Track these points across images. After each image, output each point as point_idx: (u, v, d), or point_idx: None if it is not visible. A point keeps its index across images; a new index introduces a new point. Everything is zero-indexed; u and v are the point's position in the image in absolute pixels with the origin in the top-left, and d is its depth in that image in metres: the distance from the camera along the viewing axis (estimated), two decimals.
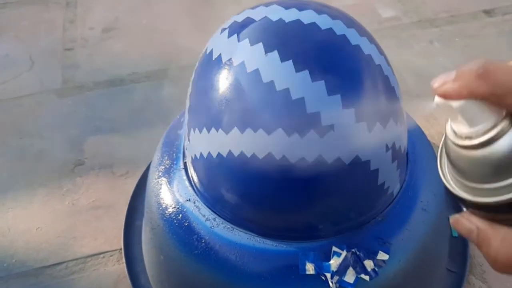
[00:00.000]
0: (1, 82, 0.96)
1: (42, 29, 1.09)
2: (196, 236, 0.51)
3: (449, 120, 0.25)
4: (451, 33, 1.06)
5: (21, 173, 0.78)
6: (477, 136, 0.23)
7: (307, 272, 0.47)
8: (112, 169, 0.78)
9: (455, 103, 0.23)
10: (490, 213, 0.25)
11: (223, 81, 0.46)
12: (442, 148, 0.27)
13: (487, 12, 1.09)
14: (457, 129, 0.25)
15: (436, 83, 0.24)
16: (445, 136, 0.26)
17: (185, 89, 0.95)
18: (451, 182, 0.26)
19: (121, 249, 0.67)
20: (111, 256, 0.66)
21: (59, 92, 0.93)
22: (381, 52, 0.49)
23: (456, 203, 0.70)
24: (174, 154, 0.58)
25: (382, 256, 0.48)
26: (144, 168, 0.76)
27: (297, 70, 0.43)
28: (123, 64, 0.99)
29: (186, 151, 0.55)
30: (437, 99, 0.24)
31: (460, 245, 0.65)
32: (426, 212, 0.53)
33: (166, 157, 0.59)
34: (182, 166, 0.56)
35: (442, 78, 0.24)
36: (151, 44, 1.05)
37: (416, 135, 0.60)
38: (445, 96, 0.24)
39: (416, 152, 0.57)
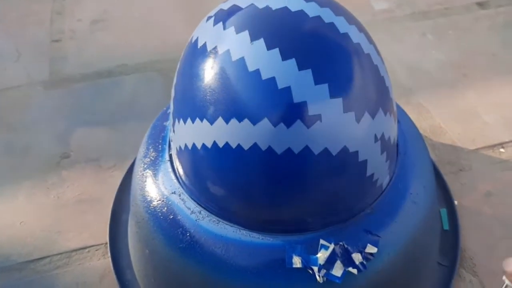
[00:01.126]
0: None
1: (30, 21, 1.07)
2: (181, 229, 0.50)
3: None
4: (444, 26, 1.05)
5: (6, 167, 0.77)
6: None
7: (294, 266, 0.46)
8: (99, 163, 0.77)
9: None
10: None
11: (208, 70, 0.45)
12: None
13: (480, 5, 1.08)
14: None
15: (509, 267, 0.26)
16: None
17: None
18: None
19: (106, 243, 0.65)
20: (96, 250, 0.65)
21: (46, 84, 0.91)
22: (370, 41, 0.48)
23: (446, 197, 0.70)
24: (160, 146, 0.57)
25: (370, 249, 0.47)
26: (131, 161, 0.75)
27: (283, 59, 0.42)
28: (111, 56, 0.98)
29: (171, 143, 0.54)
30: (508, 281, 0.26)
31: (451, 239, 0.64)
32: (416, 204, 0.52)
33: (151, 149, 0.57)
34: (167, 158, 0.55)
35: None
36: (140, 37, 1.03)
37: (407, 127, 0.59)
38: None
39: (407, 144, 0.56)
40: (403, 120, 0.59)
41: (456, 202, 0.69)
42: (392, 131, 0.49)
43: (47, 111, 0.86)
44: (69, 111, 0.86)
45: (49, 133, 0.82)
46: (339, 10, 0.46)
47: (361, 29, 0.47)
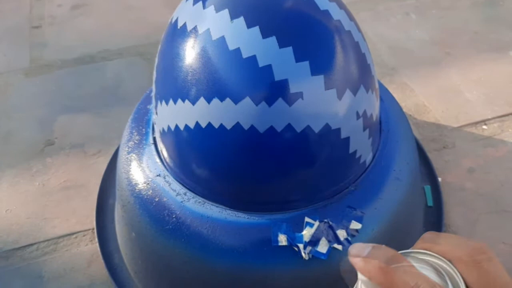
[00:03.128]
0: None
1: (8, 7, 1.05)
2: (167, 211, 0.50)
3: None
4: (427, 5, 1.05)
5: None
6: None
7: (280, 244, 0.46)
8: (84, 149, 0.76)
9: (360, 275, 0.25)
10: None
11: (189, 50, 0.44)
12: None
13: None
14: None
15: (353, 251, 0.26)
16: None
17: None
18: None
19: (93, 228, 0.65)
20: (83, 236, 0.65)
21: (27, 71, 0.90)
22: (351, 18, 0.47)
23: (430, 174, 0.71)
24: (144, 129, 0.57)
25: (355, 225, 0.48)
26: (116, 147, 0.74)
27: (264, 37, 0.42)
28: (93, 41, 0.96)
29: (155, 126, 0.53)
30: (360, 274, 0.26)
31: (435, 214, 0.65)
32: (399, 181, 0.53)
33: (135, 133, 0.57)
34: (151, 141, 0.55)
35: (359, 249, 0.26)
36: (122, 21, 1.02)
37: (390, 105, 0.59)
38: (354, 265, 0.26)
39: (390, 121, 0.56)
40: (386, 98, 0.60)
41: (440, 179, 0.70)
42: (374, 108, 0.49)
43: (29, 98, 0.85)
44: (51, 98, 0.85)
45: (31, 120, 0.81)
46: None
47: (341, 6, 0.47)
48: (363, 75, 0.46)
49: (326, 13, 0.44)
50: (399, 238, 0.55)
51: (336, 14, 0.45)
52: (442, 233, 0.27)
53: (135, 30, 0.99)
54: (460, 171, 0.73)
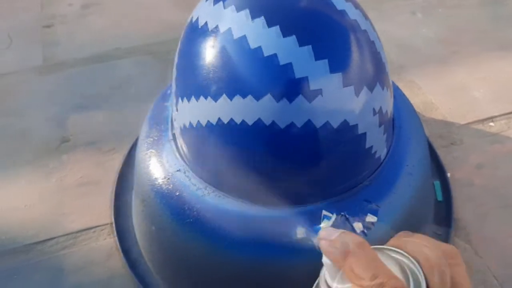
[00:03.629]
0: None
1: (19, 6, 1.06)
2: (187, 205, 0.51)
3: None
4: (433, 4, 1.06)
5: (5, 152, 0.77)
6: None
7: (298, 236, 0.48)
8: (98, 146, 0.78)
9: (324, 258, 0.26)
10: None
11: (210, 48, 0.46)
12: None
13: None
14: (326, 276, 0.26)
15: (322, 233, 0.26)
16: (319, 277, 0.27)
17: (169, 64, 0.94)
18: None
19: (111, 223, 0.67)
20: (101, 230, 0.66)
21: (40, 69, 0.91)
22: (366, 17, 0.49)
23: (439, 169, 0.72)
24: (162, 126, 0.58)
25: (370, 218, 0.49)
26: (130, 144, 0.76)
27: (284, 35, 0.43)
28: (104, 40, 0.98)
29: (174, 122, 0.55)
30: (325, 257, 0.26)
31: (445, 209, 0.67)
32: (411, 175, 0.54)
33: (153, 130, 0.59)
34: (170, 137, 0.56)
35: (328, 232, 0.26)
36: (132, 20, 1.03)
37: (401, 101, 0.61)
38: (320, 248, 0.26)
39: (402, 117, 0.58)
40: (398, 96, 0.61)
41: (448, 175, 0.72)
42: (389, 105, 0.51)
43: (43, 96, 0.86)
44: (65, 96, 0.86)
45: (46, 118, 0.82)
46: None
47: (357, 6, 0.48)
48: (379, 73, 0.48)
49: (343, 12, 0.46)
50: (412, 231, 0.56)
51: (353, 13, 0.47)
52: (416, 234, 0.27)
53: (145, 28, 1.00)
54: (468, 167, 0.74)
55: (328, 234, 0.26)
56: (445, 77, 0.89)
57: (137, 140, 0.76)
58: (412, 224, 0.56)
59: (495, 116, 0.82)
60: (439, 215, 0.66)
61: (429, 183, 0.62)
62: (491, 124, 0.81)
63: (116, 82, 0.89)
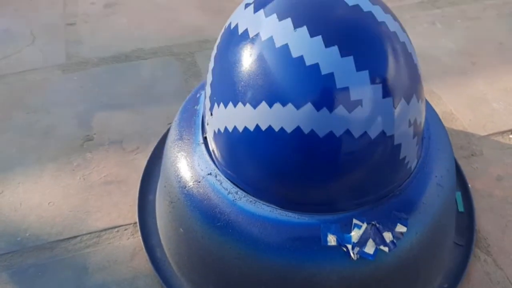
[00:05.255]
0: (2, 56, 0.95)
1: (42, 4, 1.07)
2: (218, 209, 0.52)
3: None
4: (452, 15, 1.07)
5: (30, 148, 0.78)
6: None
7: (329, 243, 0.48)
8: (122, 145, 0.78)
9: None
10: None
11: (250, 56, 0.47)
12: None
13: None
14: None
15: None
16: None
17: (191, 66, 0.95)
18: None
19: (135, 223, 0.67)
20: (125, 230, 0.67)
21: (63, 67, 0.92)
22: (403, 29, 0.50)
23: (460, 180, 0.73)
24: (192, 129, 0.59)
25: (400, 228, 0.50)
26: (154, 144, 0.76)
27: (326, 46, 0.44)
28: (127, 40, 0.99)
29: (207, 126, 0.55)
30: None
31: (466, 220, 0.67)
32: (440, 186, 0.55)
33: (184, 133, 0.59)
34: (201, 141, 0.57)
35: None
36: (154, 21, 1.04)
37: (429, 112, 0.61)
38: None
39: (430, 128, 0.58)
40: (426, 106, 0.62)
41: (469, 185, 0.72)
42: (422, 117, 0.51)
43: (67, 94, 0.87)
44: (88, 94, 0.87)
45: (70, 115, 0.83)
46: (374, 0, 0.48)
47: (395, 18, 0.49)
48: (415, 85, 0.49)
49: (383, 24, 0.46)
50: (438, 241, 0.57)
51: (392, 25, 0.47)
52: None
53: (167, 30, 1.01)
54: (489, 179, 0.75)
55: None
56: (464, 88, 0.90)
57: (161, 140, 0.77)
58: (439, 234, 0.56)
59: None
60: (460, 226, 0.67)
61: (454, 193, 0.63)
62: (511, 136, 0.81)
63: (139, 82, 0.90)
